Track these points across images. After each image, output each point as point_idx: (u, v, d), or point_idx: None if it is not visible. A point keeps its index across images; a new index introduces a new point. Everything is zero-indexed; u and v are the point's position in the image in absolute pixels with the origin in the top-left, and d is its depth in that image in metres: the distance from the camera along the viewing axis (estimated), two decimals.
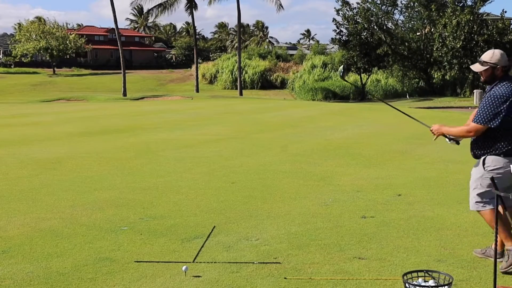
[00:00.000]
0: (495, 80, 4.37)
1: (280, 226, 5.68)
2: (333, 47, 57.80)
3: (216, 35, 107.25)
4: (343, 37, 41.66)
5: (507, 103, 4.21)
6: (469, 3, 38.89)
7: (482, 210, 4.44)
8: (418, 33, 42.92)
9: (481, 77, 4.46)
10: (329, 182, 8.03)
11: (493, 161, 4.33)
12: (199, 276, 4.27)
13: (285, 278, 4.22)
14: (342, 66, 5.23)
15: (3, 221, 5.91)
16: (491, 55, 4.37)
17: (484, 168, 4.37)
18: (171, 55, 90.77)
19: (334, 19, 41.61)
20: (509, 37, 36.53)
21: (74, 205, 6.66)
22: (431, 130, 4.68)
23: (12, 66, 72.72)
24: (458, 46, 36.18)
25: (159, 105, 30.64)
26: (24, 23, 74.86)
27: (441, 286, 3.71)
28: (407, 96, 39.95)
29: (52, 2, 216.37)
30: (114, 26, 45.63)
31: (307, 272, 4.36)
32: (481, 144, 4.41)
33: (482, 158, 4.41)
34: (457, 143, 4.71)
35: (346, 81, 5.60)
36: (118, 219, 5.98)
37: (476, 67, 4.45)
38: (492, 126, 4.24)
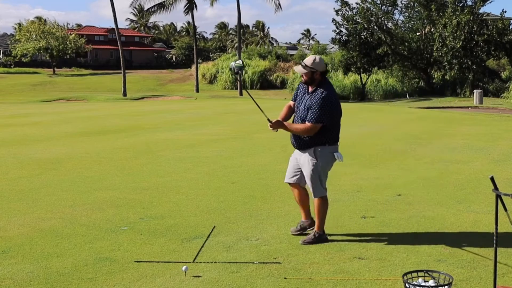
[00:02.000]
0: (314, 82, 5.03)
1: (280, 226, 5.68)
2: (333, 47, 57.78)
3: (216, 35, 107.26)
4: (343, 37, 41.65)
5: (333, 104, 5.01)
6: (469, 3, 38.88)
7: (322, 195, 5.14)
8: (418, 33, 42.91)
9: (302, 78, 5.05)
10: (329, 182, 7.99)
11: (322, 150, 5.07)
12: (199, 276, 4.27)
13: (285, 278, 4.22)
14: (239, 61, 5.14)
15: (3, 221, 5.91)
16: (313, 61, 4.95)
17: (317, 158, 5.06)
18: (171, 55, 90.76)
19: (333, 20, 41.62)
20: (509, 37, 36.52)
21: (74, 205, 6.66)
22: (270, 123, 5.10)
23: (12, 66, 72.70)
24: (458, 46, 36.16)
25: (159, 105, 30.65)
26: (24, 23, 74.90)
27: (441, 286, 3.72)
28: (407, 96, 39.96)
29: (52, 2, 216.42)
30: (114, 26, 45.63)
31: (307, 272, 4.36)
32: (310, 138, 5.04)
33: (313, 149, 5.05)
34: (277, 130, 5.25)
35: (237, 78, 5.63)
36: (118, 219, 5.98)
37: (299, 69, 5.02)
38: (325, 124, 4.97)
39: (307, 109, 5.02)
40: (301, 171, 5.23)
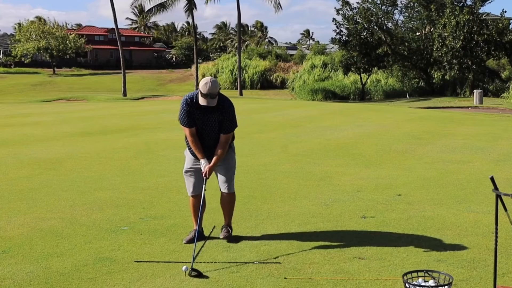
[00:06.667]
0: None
1: (280, 226, 5.68)
2: (333, 47, 57.79)
3: (216, 35, 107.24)
4: (343, 37, 41.69)
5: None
6: (468, 3, 38.90)
7: (234, 190, 5.33)
8: (418, 33, 42.94)
9: (208, 104, 4.87)
10: (329, 182, 8.03)
11: (233, 144, 5.30)
12: (200, 275, 4.26)
13: (285, 278, 4.22)
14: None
15: (3, 221, 5.91)
16: (215, 85, 4.87)
17: (234, 152, 5.34)
18: (171, 55, 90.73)
19: (334, 19, 41.70)
20: (509, 37, 36.53)
21: (74, 205, 6.66)
22: (204, 175, 5.07)
23: (12, 66, 72.69)
24: (458, 46, 36.18)
25: (159, 105, 30.64)
26: (24, 23, 74.86)
27: (441, 286, 3.72)
28: (407, 96, 39.97)
29: (52, 2, 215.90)
30: (114, 26, 45.65)
31: (307, 272, 4.36)
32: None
33: (231, 145, 5.25)
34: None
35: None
36: (118, 219, 5.98)
37: (214, 102, 4.89)
38: (237, 126, 5.23)
39: (220, 122, 5.03)
40: (204, 179, 5.07)
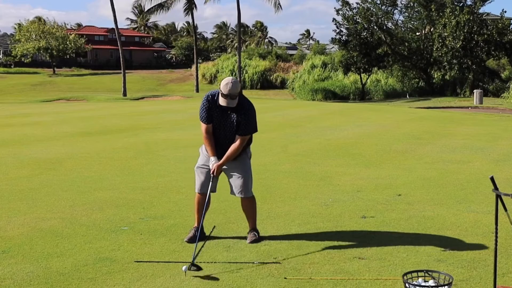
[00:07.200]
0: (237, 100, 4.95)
1: (280, 226, 5.68)
2: (333, 47, 57.82)
3: (216, 35, 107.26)
4: (343, 37, 41.69)
5: (254, 109, 5.17)
6: (468, 2, 38.90)
7: (252, 193, 5.22)
8: (418, 33, 42.95)
9: (228, 104, 4.88)
10: (329, 182, 8.03)
11: (249, 149, 5.25)
12: (199, 276, 4.26)
13: (285, 278, 4.22)
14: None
15: (3, 221, 5.91)
16: (236, 86, 4.88)
17: (249, 157, 5.25)
18: (171, 55, 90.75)
19: (334, 19, 41.71)
20: (509, 37, 36.53)
21: (74, 205, 6.66)
22: (212, 173, 5.06)
23: (12, 66, 72.69)
24: (458, 46, 36.18)
25: (159, 105, 30.63)
26: (24, 23, 74.88)
27: (441, 286, 3.72)
28: (407, 96, 39.97)
29: (52, 2, 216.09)
30: (114, 26, 45.66)
31: (307, 272, 4.36)
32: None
33: (245, 150, 5.15)
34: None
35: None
36: (118, 219, 5.98)
37: (233, 103, 4.90)
38: (257, 131, 5.18)
39: (238, 123, 4.99)
40: (215, 179, 5.09)
